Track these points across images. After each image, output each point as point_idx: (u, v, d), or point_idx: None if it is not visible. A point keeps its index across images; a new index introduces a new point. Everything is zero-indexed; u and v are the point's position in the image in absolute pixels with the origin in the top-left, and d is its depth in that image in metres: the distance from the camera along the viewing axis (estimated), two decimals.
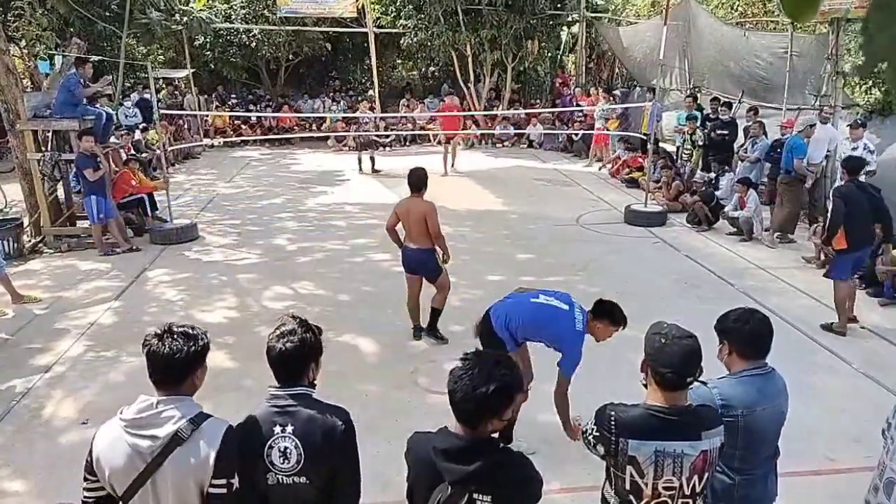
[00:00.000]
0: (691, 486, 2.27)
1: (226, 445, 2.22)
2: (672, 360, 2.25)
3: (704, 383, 2.52)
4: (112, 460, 2.20)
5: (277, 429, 2.29)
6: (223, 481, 2.21)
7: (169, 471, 2.17)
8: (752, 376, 2.56)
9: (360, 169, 14.36)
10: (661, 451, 2.24)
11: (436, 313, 6.05)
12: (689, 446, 2.24)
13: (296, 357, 2.35)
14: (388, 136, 17.42)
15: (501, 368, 2.07)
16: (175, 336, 2.25)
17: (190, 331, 2.29)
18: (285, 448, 2.28)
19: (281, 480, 2.30)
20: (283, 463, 2.29)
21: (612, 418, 2.30)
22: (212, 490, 2.20)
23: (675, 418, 2.26)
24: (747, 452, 2.57)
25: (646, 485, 2.27)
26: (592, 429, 2.38)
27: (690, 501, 2.32)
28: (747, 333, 2.57)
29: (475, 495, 2.07)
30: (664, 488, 2.27)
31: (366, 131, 14.73)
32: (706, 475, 2.30)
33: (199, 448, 2.19)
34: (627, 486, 2.30)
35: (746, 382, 2.56)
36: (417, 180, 5.83)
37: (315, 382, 2.45)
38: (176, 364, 2.24)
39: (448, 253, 5.98)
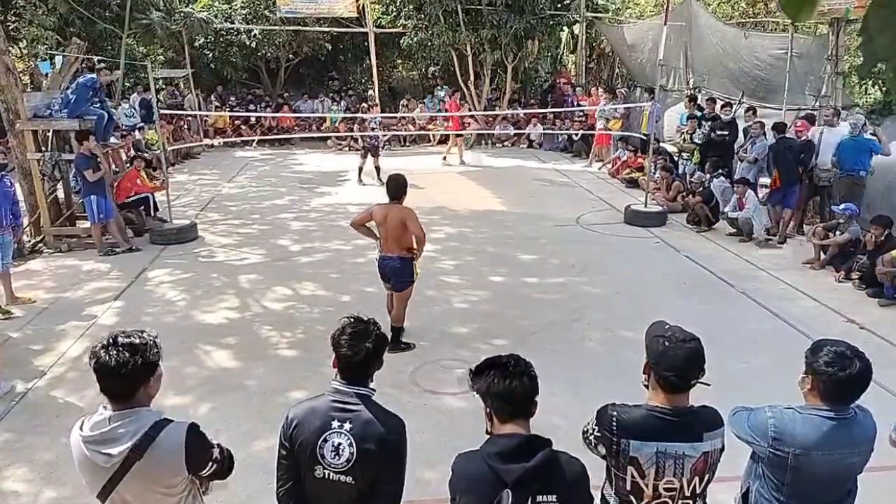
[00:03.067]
0: (692, 487, 2.27)
1: (192, 447, 2.25)
2: (675, 364, 2.24)
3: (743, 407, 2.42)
4: (81, 469, 2.25)
5: (335, 423, 2.30)
6: (208, 466, 2.31)
7: (132, 482, 2.19)
8: (823, 418, 2.38)
9: (360, 180, 13.10)
10: (663, 452, 2.24)
11: (396, 332, 5.77)
12: (691, 447, 2.24)
13: (373, 358, 2.38)
14: (385, 136, 17.40)
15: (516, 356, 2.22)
16: (121, 348, 2.17)
17: (137, 341, 2.21)
18: (339, 444, 2.29)
19: (327, 476, 2.31)
20: (333, 458, 2.29)
21: (614, 419, 2.30)
22: (203, 474, 2.32)
23: (676, 419, 2.25)
24: (795, 490, 2.44)
25: (646, 485, 2.27)
26: (594, 429, 2.37)
27: (691, 502, 2.31)
28: (837, 381, 2.35)
29: (539, 497, 2.03)
30: (665, 489, 2.27)
31: (373, 135, 13.99)
32: (707, 476, 2.30)
33: (160, 460, 2.20)
34: (628, 487, 2.30)
35: (812, 422, 2.39)
36: (396, 189, 5.56)
37: (373, 378, 2.47)
38: (123, 377, 2.17)
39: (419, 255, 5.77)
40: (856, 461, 2.42)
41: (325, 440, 2.30)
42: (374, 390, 2.44)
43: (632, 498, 2.31)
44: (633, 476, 2.28)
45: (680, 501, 2.29)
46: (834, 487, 2.47)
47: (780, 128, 9.30)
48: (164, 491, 2.26)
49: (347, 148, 17.67)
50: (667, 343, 2.27)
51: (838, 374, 2.34)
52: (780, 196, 9.24)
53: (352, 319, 2.44)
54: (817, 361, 2.40)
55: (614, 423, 2.29)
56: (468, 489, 2.07)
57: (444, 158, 15.60)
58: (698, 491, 2.30)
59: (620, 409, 2.33)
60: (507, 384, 2.10)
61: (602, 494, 2.46)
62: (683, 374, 2.24)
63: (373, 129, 13.58)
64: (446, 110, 16.99)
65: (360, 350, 2.34)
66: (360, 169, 13.29)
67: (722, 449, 2.32)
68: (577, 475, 2.12)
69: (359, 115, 16.43)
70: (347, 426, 2.30)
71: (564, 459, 2.13)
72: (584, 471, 2.15)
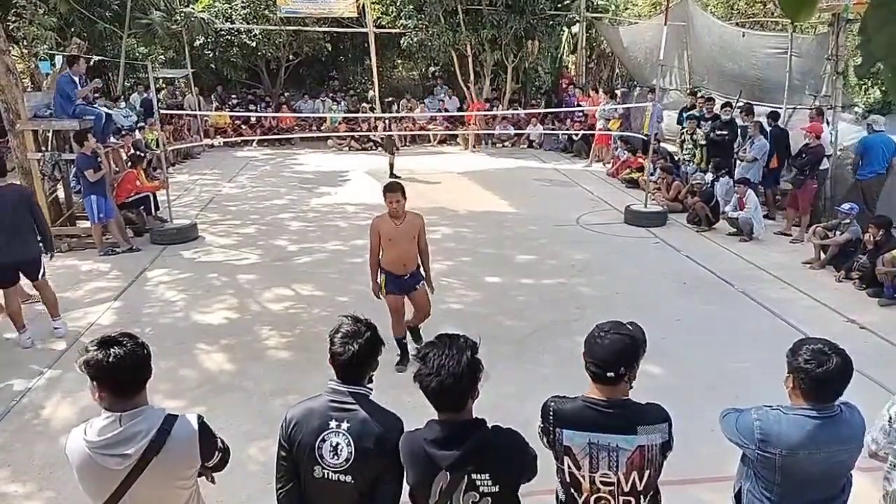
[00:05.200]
0: (630, 482, 2.26)
1: (204, 437, 2.28)
2: (597, 353, 2.26)
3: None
4: (85, 479, 2.20)
5: (333, 423, 2.32)
6: (215, 455, 2.34)
7: (148, 481, 2.18)
8: (807, 417, 2.38)
9: (392, 173, 13.52)
10: (595, 443, 2.25)
11: (411, 332, 5.70)
12: (624, 440, 2.24)
13: (365, 359, 2.39)
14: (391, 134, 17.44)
15: (460, 338, 2.23)
16: (121, 342, 2.17)
17: (129, 335, 2.22)
18: (337, 444, 2.30)
19: (327, 476, 2.32)
20: (332, 458, 2.30)
21: (551, 409, 2.34)
22: (210, 464, 2.34)
23: (608, 411, 2.26)
24: (787, 489, 2.44)
25: (583, 477, 2.28)
26: (540, 421, 2.41)
27: (633, 500, 2.29)
28: (815, 378, 2.36)
29: (473, 475, 2.15)
30: (602, 482, 2.27)
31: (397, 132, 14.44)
32: (647, 473, 2.27)
33: (177, 453, 2.22)
34: (567, 478, 2.32)
35: (796, 422, 2.39)
36: None
37: (373, 379, 2.48)
38: (135, 368, 2.17)
39: (372, 283, 5.45)
40: (844, 458, 2.42)
41: (324, 440, 2.31)
42: (371, 390, 2.44)
43: (572, 490, 2.33)
44: (569, 466, 2.30)
45: (621, 498, 2.28)
46: (825, 485, 2.46)
47: (774, 116, 10.28)
48: (180, 484, 2.27)
49: (347, 148, 17.68)
50: (597, 333, 2.31)
51: (815, 371, 2.35)
52: (773, 177, 10.22)
53: (348, 319, 2.45)
54: (796, 360, 2.42)
55: (551, 414, 2.33)
56: (412, 465, 2.25)
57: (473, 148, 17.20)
58: (639, 487, 2.28)
59: (559, 400, 2.37)
60: (427, 385, 2.19)
61: (556, 489, 2.47)
62: (603, 364, 2.25)
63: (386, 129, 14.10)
64: (468, 109, 17.86)
65: (348, 350, 2.35)
66: (392, 164, 13.89)
67: (664, 446, 2.29)
68: (509, 452, 2.23)
69: (360, 114, 16.55)
70: (345, 426, 2.30)
71: (496, 441, 2.22)
72: (515, 444, 2.25)
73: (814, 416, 2.38)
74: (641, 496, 2.30)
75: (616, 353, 2.25)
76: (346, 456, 2.28)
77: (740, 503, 2.59)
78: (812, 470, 2.39)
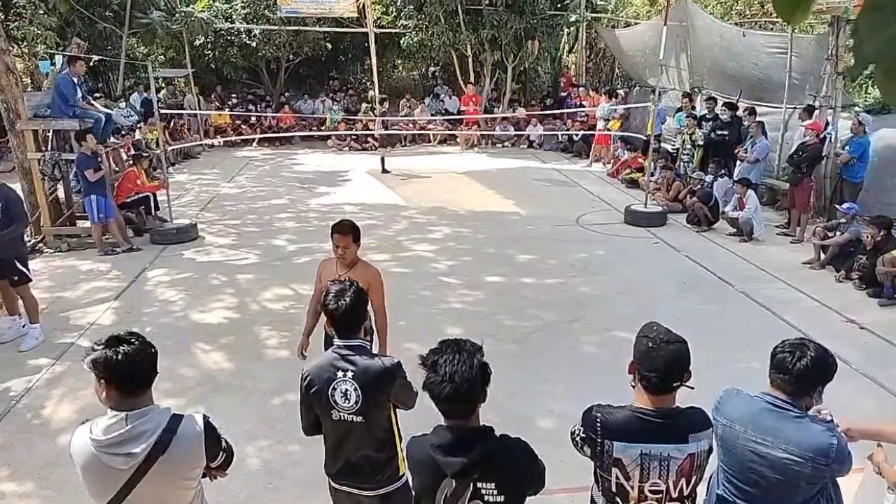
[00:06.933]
0: (678, 489, 2.26)
1: (209, 437, 2.30)
2: (657, 365, 2.23)
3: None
4: (89, 478, 2.20)
5: (340, 374, 2.70)
6: (219, 456, 2.38)
7: (153, 481, 2.18)
8: (763, 401, 2.41)
9: (384, 169, 14.12)
10: (647, 453, 2.23)
11: None
12: (676, 449, 2.23)
13: (353, 311, 2.75)
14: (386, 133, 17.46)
15: (466, 342, 2.22)
16: (128, 341, 2.17)
17: (137, 336, 2.22)
18: (346, 390, 2.68)
19: (343, 418, 2.72)
20: (344, 402, 2.69)
21: (598, 420, 2.29)
22: (213, 465, 2.38)
23: (661, 421, 2.24)
24: (728, 472, 2.48)
25: (632, 487, 2.26)
26: (580, 430, 2.37)
27: None
28: (780, 362, 2.39)
29: (479, 484, 2.13)
30: (650, 491, 2.26)
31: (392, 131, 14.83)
32: (694, 478, 2.28)
33: (182, 453, 2.22)
34: (613, 489, 2.29)
35: (749, 401, 2.45)
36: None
37: (371, 330, 2.79)
38: (141, 367, 2.17)
39: (302, 338, 4.21)
40: (787, 461, 2.31)
41: (335, 388, 2.68)
42: (368, 342, 2.78)
43: (618, 499, 2.31)
44: (617, 478, 2.27)
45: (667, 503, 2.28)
46: (778, 490, 2.36)
47: (731, 106, 10.94)
48: (185, 484, 2.28)
49: (348, 148, 17.69)
50: (650, 344, 2.26)
51: (779, 355, 2.40)
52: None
53: (332, 284, 2.85)
54: (775, 347, 2.46)
55: (598, 425, 2.28)
56: (417, 471, 2.27)
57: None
58: (685, 493, 2.28)
59: (605, 410, 2.33)
60: (441, 392, 2.13)
61: (591, 495, 2.45)
62: (664, 375, 2.23)
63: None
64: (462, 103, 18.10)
65: (341, 305, 2.73)
66: (383, 160, 14.33)
67: (710, 450, 2.31)
68: (516, 461, 2.20)
69: (359, 115, 16.56)
70: (350, 374, 2.68)
71: (503, 450, 2.18)
72: (522, 454, 2.22)
73: (769, 401, 2.39)
74: (686, 500, 2.31)
75: (675, 364, 2.23)
76: (355, 399, 2.67)
77: (708, 484, 2.64)
78: (741, 449, 2.39)
